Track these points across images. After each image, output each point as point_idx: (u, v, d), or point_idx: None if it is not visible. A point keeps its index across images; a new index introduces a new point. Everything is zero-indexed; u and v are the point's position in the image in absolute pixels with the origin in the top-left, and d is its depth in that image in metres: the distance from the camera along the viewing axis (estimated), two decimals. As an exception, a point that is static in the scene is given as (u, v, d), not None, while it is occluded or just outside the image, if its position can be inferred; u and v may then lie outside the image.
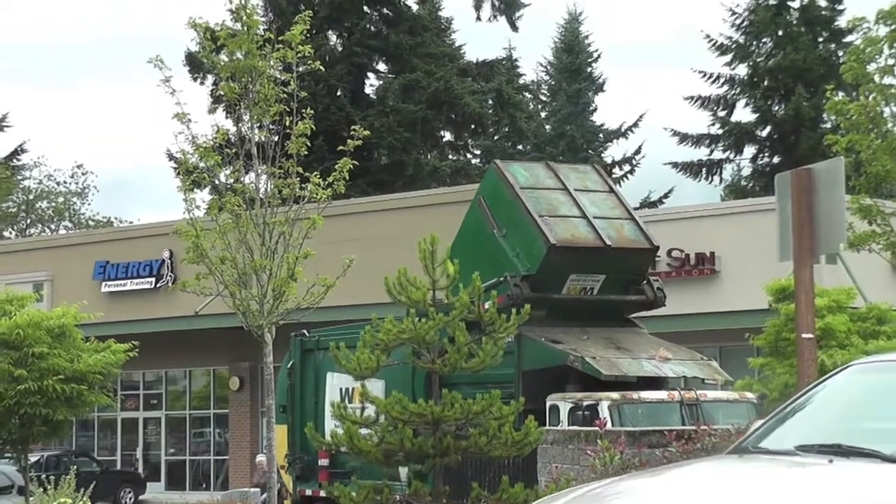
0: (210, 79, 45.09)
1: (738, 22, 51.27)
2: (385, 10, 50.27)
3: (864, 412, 7.48)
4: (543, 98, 62.54)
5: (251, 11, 18.77)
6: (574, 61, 61.21)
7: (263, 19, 38.89)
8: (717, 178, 52.41)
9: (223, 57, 18.92)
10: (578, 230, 21.03)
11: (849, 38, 41.72)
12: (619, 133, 59.27)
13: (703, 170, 52.27)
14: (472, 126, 50.79)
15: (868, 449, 6.66)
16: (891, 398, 7.41)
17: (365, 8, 49.65)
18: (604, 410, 18.76)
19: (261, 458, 28.62)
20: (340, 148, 18.79)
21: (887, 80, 21.92)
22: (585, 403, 19.16)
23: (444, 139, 52.69)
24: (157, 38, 72.64)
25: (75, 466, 24.96)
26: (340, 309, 25.55)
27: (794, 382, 16.71)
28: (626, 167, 57.47)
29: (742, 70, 51.54)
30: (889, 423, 7.16)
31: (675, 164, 52.49)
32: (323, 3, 47.67)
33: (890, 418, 7.24)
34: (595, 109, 61.40)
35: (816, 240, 12.09)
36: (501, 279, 20.38)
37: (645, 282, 21.58)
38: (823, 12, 50.80)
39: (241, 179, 18.75)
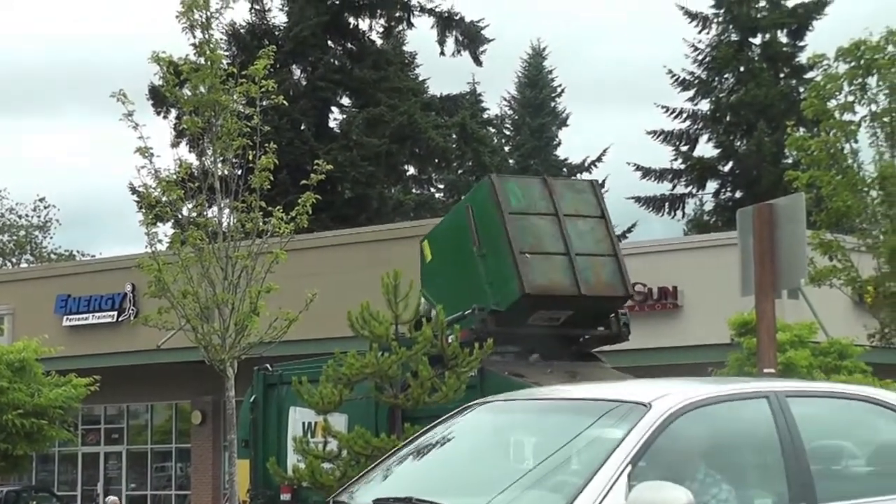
0: (173, 113, 45.03)
1: (700, 58, 51.61)
2: (349, 45, 50.34)
3: (469, 457, 7.35)
4: (507, 132, 62.72)
5: (214, 46, 18.82)
6: (538, 96, 61.44)
7: (227, 54, 38.86)
8: (679, 213, 52.66)
9: (186, 91, 18.93)
10: (556, 274, 20.81)
11: (810, 75, 41.94)
12: (583, 167, 59.44)
13: (666, 204, 52.49)
14: (436, 160, 50.83)
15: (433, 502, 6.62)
16: (495, 442, 7.35)
17: (329, 42, 49.71)
18: (566, 445, 18.70)
19: (112, 499, 27.88)
20: (304, 182, 18.79)
21: (847, 116, 22.07)
22: (548, 438, 19.10)
23: (408, 173, 52.71)
24: (121, 71, 72.62)
25: (35, 502, 24.78)
26: (303, 343, 25.46)
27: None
28: (590, 202, 57.53)
29: (704, 105, 51.88)
30: (486, 470, 7.09)
31: (638, 199, 52.71)
32: (287, 37, 47.71)
33: (489, 464, 7.14)
34: (559, 144, 61.63)
35: (778, 275, 12.15)
36: (467, 312, 20.33)
37: (612, 315, 21.56)
38: (784, 49, 51.17)
39: (204, 213, 18.74)
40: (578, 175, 59.63)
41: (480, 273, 20.88)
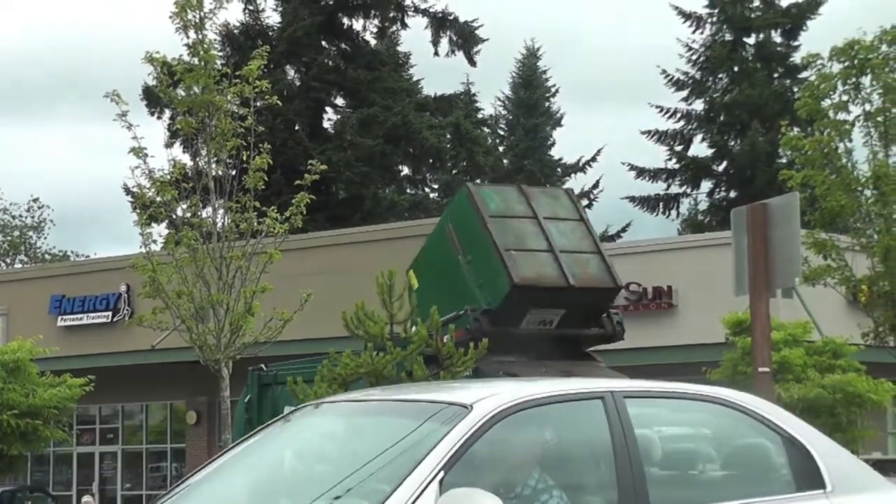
0: (167, 113, 45.00)
1: (694, 58, 51.68)
2: (343, 45, 50.33)
3: (287, 464, 7.05)
4: (501, 132, 62.70)
5: (208, 46, 18.80)
6: (532, 96, 61.42)
7: (221, 54, 38.90)
8: (674, 213, 52.75)
9: (180, 91, 18.93)
10: (544, 267, 20.94)
11: (804, 75, 42.00)
12: (577, 167, 59.44)
13: (661, 204, 52.57)
14: (430, 160, 50.85)
15: None
16: (315, 448, 7.02)
17: (323, 43, 49.70)
18: (561, 444, 18.71)
19: (87, 499, 27.72)
20: (298, 182, 18.80)
21: (841, 115, 22.10)
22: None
23: (402, 173, 52.71)
24: (116, 72, 72.58)
25: (30, 502, 24.78)
26: (298, 343, 25.46)
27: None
28: (585, 201, 57.54)
29: (699, 105, 51.97)
30: (299, 478, 6.79)
31: (632, 199, 52.78)
32: (281, 38, 47.70)
33: (305, 471, 6.89)
34: (553, 144, 61.60)
35: (772, 274, 12.16)
36: (461, 312, 20.35)
37: (605, 315, 21.59)
38: (779, 49, 51.23)
39: (198, 213, 18.73)
40: (573, 175, 59.70)
41: (469, 279, 20.93)
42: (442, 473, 6.00)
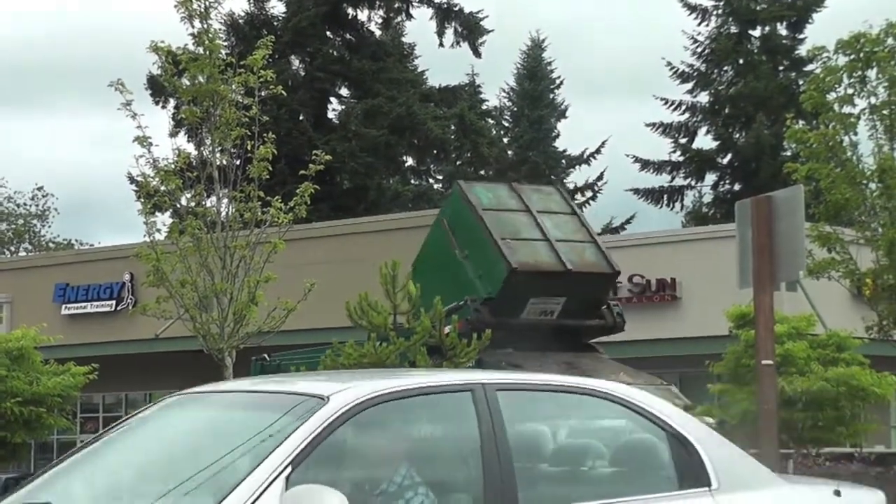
0: (172, 102, 45.01)
1: (699, 50, 51.64)
2: (348, 36, 50.30)
3: (141, 459, 6.67)
4: (506, 124, 62.66)
5: (213, 36, 18.79)
6: (536, 88, 61.37)
7: (225, 44, 38.86)
8: (678, 205, 52.74)
9: (185, 81, 18.92)
10: (540, 254, 21.04)
11: (809, 67, 42.01)
12: (582, 159, 59.40)
13: (665, 196, 52.54)
14: (435, 151, 50.83)
15: None
16: (170, 441, 6.67)
17: (328, 33, 49.67)
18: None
19: None
20: (302, 172, 18.78)
21: (846, 109, 22.07)
22: (546, 428, 19.12)
23: (407, 164, 52.70)
24: (121, 61, 72.60)
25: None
26: (301, 333, 25.47)
27: (753, 409, 16.77)
28: (589, 193, 57.62)
29: (703, 98, 51.92)
30: (150, 473, 6.43)
31: (636, 191, 52.74)
32: (286, 28, 47.67)
33: (157, 465, 6.50)
34: (557, 135, 61.55)
35: (776, 267, 12.16)
36: (461, 303, 20.38)
37: (605, 306, 21.63)
38: (784, 41, 51.17)
39: (203, 203, 18.73)
40: (577, 167, 59.67)
41: (468, 272, 21.00)
42: (289, 469, 5.73)
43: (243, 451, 5.96)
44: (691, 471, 6.64)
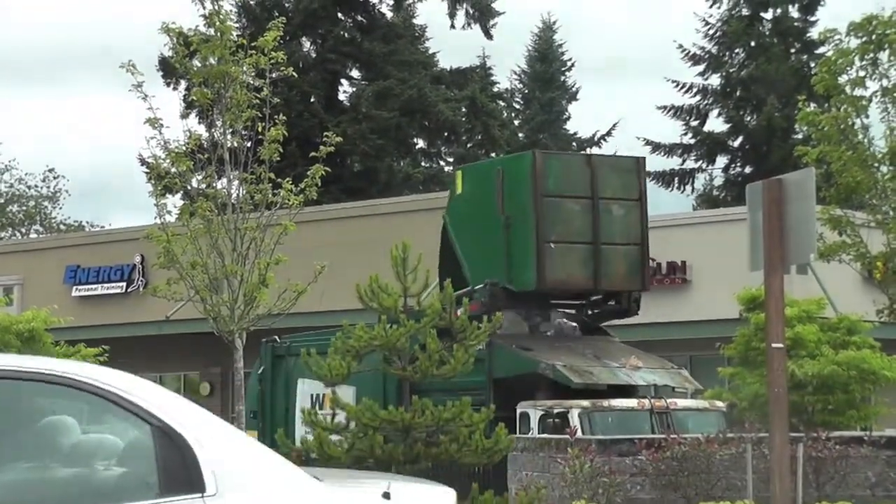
0: (183, 84, 44.99)
1: (711, 32, 51.55)
2: (359, 18, 50.24)
3: None
4: (517, 106, 62.61)
5: (224, 17, 18.80)
6: (548, 70, 61.32)
7: (237, 25, 38.78)
8: (689, 188, 52.67)
9: (196, 62, 18.92)
10: (575, 270, 20.77)
11: (821, 50, 41.84)
12: (593, 142, 59.34)
13: (676, 179, 52.47)
14: (446, 133, 50.79)
15: None
16: None
17: (339, 15, 49.62)
18: (574, 418, 18.77)
19: None
20: (313, 154, 18.79)
21: (858, 91, 21.98)
22: (556, 411, 19.17)
23: (417, 146, 52.67)
24: (132, 42, 72.64)
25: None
26: (311, 315, 25.50)
27: (764, 392, 16.77)
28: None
29: (715, 80, 51.84)
30: None
31: (647, 173, 52.53)
32: (297, 9, 47.63)
33: None
34: (568, 118, 61.54)
35: (787, 250, 12.13)
36: (480, 287, 20.34)
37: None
38: (796, 24, 51.06)
39: (213, 185, 18.75)
40: (587, 149, 59.56)
41: (502, 244, 20.85)
42: None
43: None
44: (181, 473, 5.51)
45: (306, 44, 49.53)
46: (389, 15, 50.74)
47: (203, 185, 18.85)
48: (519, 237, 20.83)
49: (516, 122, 61.26)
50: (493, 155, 53.57)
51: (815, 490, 17.23)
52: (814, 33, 47.64)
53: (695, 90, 51.71)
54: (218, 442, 5.74)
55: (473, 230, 20.84)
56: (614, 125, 59.07)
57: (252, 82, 18.63)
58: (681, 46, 51.61)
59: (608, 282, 20.86)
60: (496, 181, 21.22)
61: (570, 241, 20.79)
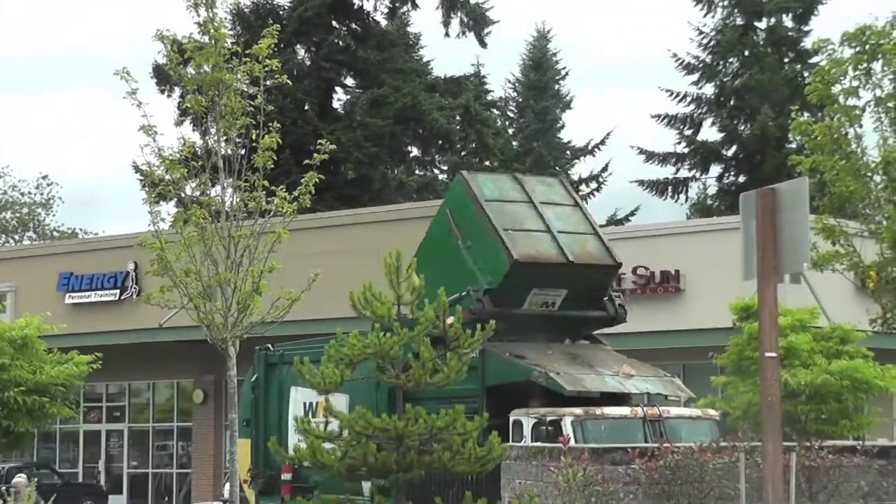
0: (177, 91, 44.99)
1: (705, 42, 51.60)
2: (353, 26, 50.26)
3: None
4: (511, 114, 62.61)
5: (219, 25, 18.78)
6: (542, 78, 61.33)
7: (231, 33, 38.86)
8: (683, 197, 52.68)
9: (190, 70, 18.92)
10: (542, 245, 21.05)
11: (814, 60, 41.97)
12: (587, 150, 59.36)
13: (670, 188, 52.49)
14: (440, 141, 50.78)
15: None
16: None
17: (333, 23, 49.63)
18: (567, 426, 18.77)
19: (18, 479, 26.96)
20: (307, 162, 18.80)
21: (852, 101, 22.04)
22: (549, 419, 19.16)
23: (411, 154, 52.67)
24: (126, 50, 72.57)
25: (36, 479, 24.82)
26: (305, 323, 25.49)
27: (756, 401, 16.78)
28: (593, 184, 57.57)
29: (709, 89, 51.89)
30: None
31: (641, 182, 52.68)
32: (291, 17, 47.64)
33: None
34: (562, 126, 61.53)
35: (780, 259, 12.13)
36: (463, 293, 20.38)
37: (607, 298, 21.63)
38: (789, 33, 51.14)
39: (207, 192, 18.74)
40: (582, 158, 59.64)
41: (468, 262, 21.03)
42: None
43: None
44: None
45: (301, 51, 49.55)
46: (384, 23, 50.78)
47: (197, 193, 18.84)
48: (480, 241, 21.04)
49: (510, 131, 61.25)
50: (486, 163, 53.64)
51: (807, 499, 17.24)
52: (807, 43, 47.74)
53: (689, 99, 51.77)
54: None
55: (440, 267, 20.84)
56: (608, 134, 59.02)
57: (246, 90, 18.64)
58: (675, 55, 51.71)
59: (578, 257, 20.97)
60: (448, 220, 21.62)
61: (525, 230, 21.07)
